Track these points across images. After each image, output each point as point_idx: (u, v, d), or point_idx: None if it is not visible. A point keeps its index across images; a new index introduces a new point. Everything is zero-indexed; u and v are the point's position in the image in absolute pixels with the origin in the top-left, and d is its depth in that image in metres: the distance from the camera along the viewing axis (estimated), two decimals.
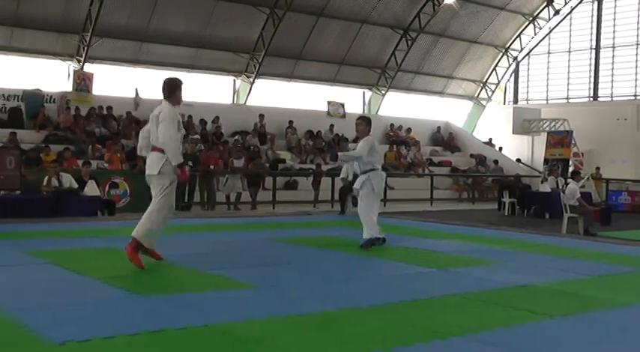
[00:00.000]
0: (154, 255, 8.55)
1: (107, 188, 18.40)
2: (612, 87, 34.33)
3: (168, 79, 8.65)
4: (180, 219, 15.70)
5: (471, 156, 32.98)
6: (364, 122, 11.17)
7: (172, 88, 8.50)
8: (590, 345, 5.49)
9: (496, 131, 36.73)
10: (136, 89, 25.80)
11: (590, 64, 34.85)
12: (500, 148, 34.85)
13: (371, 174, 10.85)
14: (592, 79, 34.86)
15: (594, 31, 34.72)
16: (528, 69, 37.85)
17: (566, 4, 35.27)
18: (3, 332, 5.31)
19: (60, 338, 5.01)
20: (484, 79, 37.61)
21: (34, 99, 23.92)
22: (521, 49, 37.04)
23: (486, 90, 37.87)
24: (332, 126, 29.74)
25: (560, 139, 28.83)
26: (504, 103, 38.56)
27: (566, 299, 7.11)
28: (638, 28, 33.35)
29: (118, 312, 5.98)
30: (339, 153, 11.64)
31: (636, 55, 33.35)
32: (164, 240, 11.21)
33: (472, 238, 12.52)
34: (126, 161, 20.73)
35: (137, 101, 25.46)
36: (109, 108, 24.88)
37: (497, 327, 5.72)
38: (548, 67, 36.74)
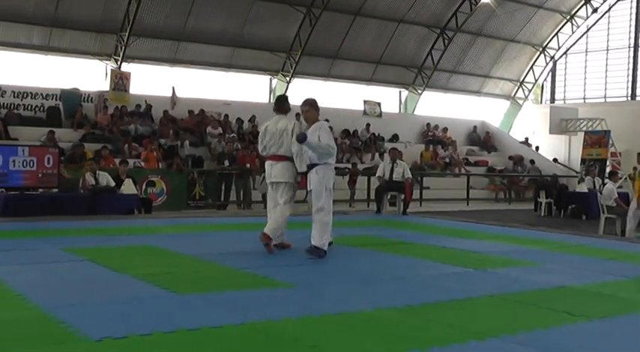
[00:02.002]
0: (285, 246, 9.96)
1: (144, 186, 18.59)
2: None
3: (282, 95, 10.41)
4: (216, 218, 15.83)
5: (510, 158, 32.75)
6: (312, 107, 9.83)
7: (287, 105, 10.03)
8: (627, 348, 5.42)
9: (533, 130, 36.50)
10: (173, 88, 25.98)
11: (629, 63, 34.56)
12: (537, 148, 34.59)
13: (325, 169, 9.69)
14: (630, 78, 34.55)
15: (633, 29, 34.42)
16: (565, 68, 37.58)
17: (604, 2, 34.95)
18: (41, 328, 5.37)
19: (97, 334, 5.05)
20: (521, 78, 37.41)
21: (72, 99, 24.16)
22: (559, 47, 36.79)
23: (523, 89, 37.63)
24: (368, 125, 29.70)
25: (597, 139, 28.61)
26: (541, 103, 38.31)
27: (603, 301, 7.03)
28: None
29: (155, 310, 6.01)
30: (312, 142, 9.32)
31: None
32: (201, 238, 11.32)
33: (508, 238, 12.43)
34: (162, 159, 20.87)
35: (174, 100, 25.61)
36: (149, 107, 25.06)
37: (534, 329, 5.67)
38: (585, 66, 36.47)
